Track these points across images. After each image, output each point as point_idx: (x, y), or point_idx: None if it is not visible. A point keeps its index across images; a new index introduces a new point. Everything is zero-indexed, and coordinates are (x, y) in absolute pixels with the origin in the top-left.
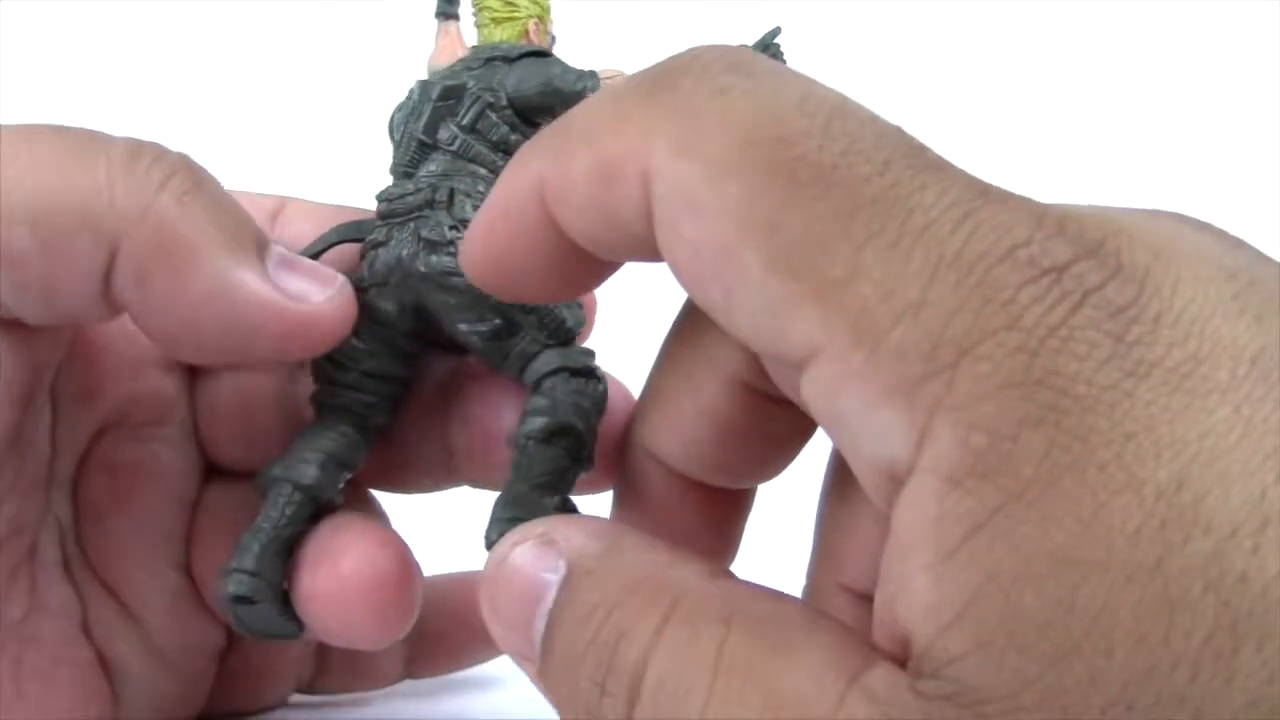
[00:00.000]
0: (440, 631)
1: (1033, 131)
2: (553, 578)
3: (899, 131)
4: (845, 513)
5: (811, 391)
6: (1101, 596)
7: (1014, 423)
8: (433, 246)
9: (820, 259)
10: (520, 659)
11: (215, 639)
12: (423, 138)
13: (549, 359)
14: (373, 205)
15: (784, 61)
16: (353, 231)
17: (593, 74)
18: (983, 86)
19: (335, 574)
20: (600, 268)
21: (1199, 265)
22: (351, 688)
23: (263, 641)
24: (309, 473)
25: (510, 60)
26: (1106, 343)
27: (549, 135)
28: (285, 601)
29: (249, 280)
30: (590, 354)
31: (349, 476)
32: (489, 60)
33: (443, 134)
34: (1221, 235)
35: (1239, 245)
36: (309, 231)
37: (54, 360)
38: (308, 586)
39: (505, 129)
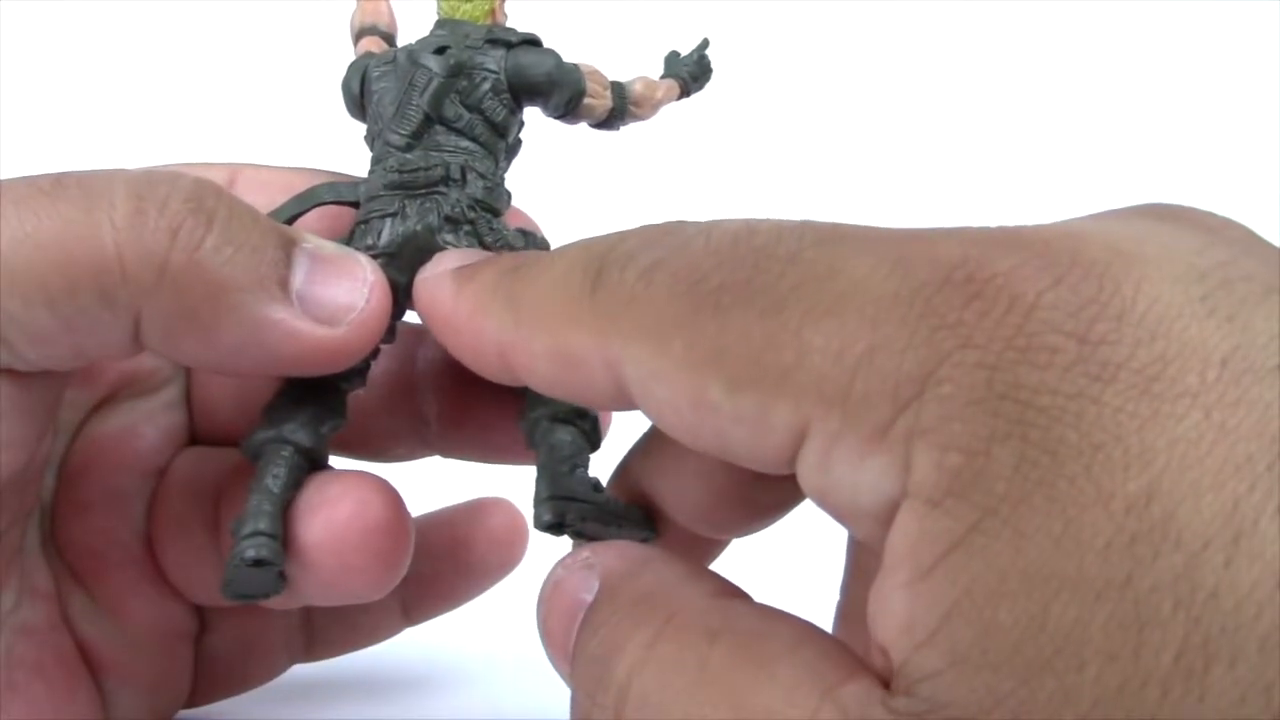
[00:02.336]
0: (432, 572)
1: (1032, 133)
2: (588, 597)
3: (805, 223)
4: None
5: (808, 478)
6: (1073, 613)
7: (984, 438)
8: (454, 224)
9: (768, 360)
10: (562, 672)
11: (187, 621)
12: (429, 111)
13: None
14: (328, 166)
15: (711, 72)
16: (332, 194)
17: (576, 68)
18: (981, 88)
19: (333, 521)
20: None
21: (1164, 264)
22: (352, 645)
23: (241, 619)
24: (306, 435)
25: (510, 45)
26: (1069, 346)
27: (499, 298)
28: None
29: (277, 318)
30: None
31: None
32: (489, 41)
33: (449, 110)
34: (1199, 229)
35: (1217, 239)
36: (264, 204)
37: (70, 379)
38: (305, 538)
39: (505, 112)
